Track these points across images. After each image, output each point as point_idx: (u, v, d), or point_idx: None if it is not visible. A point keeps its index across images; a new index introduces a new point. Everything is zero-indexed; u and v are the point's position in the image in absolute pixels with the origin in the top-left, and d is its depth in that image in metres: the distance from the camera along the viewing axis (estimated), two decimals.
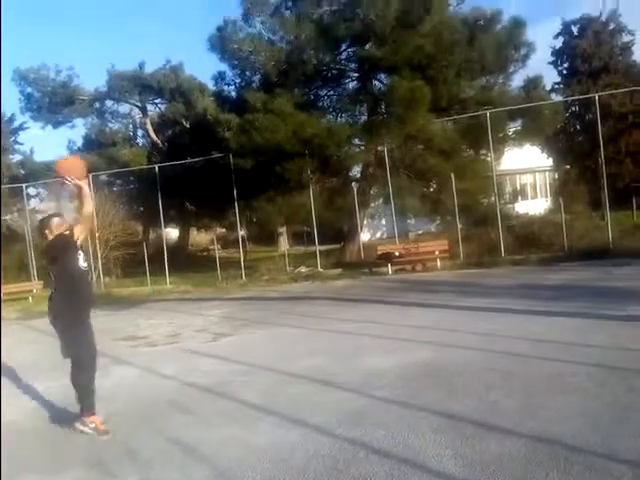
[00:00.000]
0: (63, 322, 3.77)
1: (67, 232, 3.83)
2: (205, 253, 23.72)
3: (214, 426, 3.87)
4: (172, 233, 25.04)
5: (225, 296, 11.90)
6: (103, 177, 20.88)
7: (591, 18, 23.20)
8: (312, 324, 7.42)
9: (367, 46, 14.40)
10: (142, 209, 21.21)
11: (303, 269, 14.48)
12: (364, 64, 14.82)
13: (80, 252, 3.88)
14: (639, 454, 2.85)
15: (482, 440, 3.22)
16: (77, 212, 3.99)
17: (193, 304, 11.17)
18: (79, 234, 3.84)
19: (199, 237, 27.54)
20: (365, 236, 20.75)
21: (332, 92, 16.35)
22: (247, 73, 15.79)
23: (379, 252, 13.99)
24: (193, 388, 4.89)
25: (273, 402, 4.24)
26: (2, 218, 17.89)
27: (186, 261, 18.25)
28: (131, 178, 22.10)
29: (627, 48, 23.48)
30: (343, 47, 15.14)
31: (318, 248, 14.92)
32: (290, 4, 15.33)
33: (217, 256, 15.61)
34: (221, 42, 14.75)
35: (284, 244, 22.65)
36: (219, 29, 14.81)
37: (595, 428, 3.23)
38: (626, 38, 23.39)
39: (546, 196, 25.18)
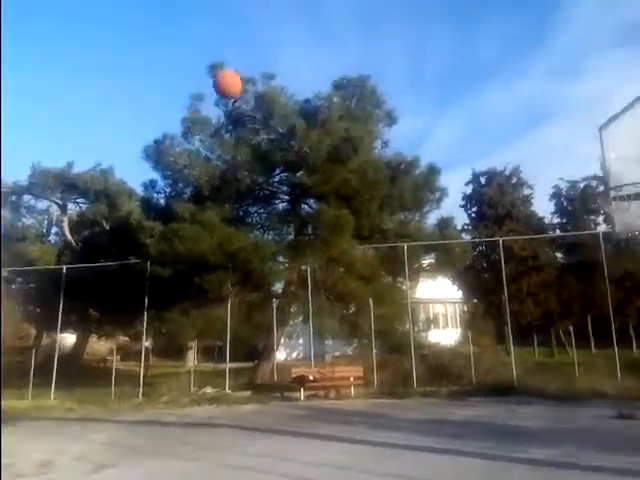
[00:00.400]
0: None
1: None
2: (102, 364, 21.51)
3: None
4: (69, 339, 22.83)
5: (115, 418, 10.67)
6: (3, 273, 19.31)
7: (496, 171, 26.48)
8: (210, 457, 6.75)
9: (299, 174, 15.26)
10: (39, 310, 19.44)
11: (209, 390, 13.50)
12: (295, 189, 15.59)
13: None
14: None
15: None
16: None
17: (76, 425, 9.89)
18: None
19: (98, 345, 25.07)
20: (281, 355, 20.23)
21: (262, 210, 16.83)
22: (179, 184, 15.96)
23: (293, 375, 13.53)
24: None
25: None
26: None
27: (79, 372, 16.37)
28: (34, 277, 20.55)
29: (527, 200, 26.68)
30: (277, 171, 15.95)
31: (229, 365, 14.15)
32: (230, 128, 16.20)
33: (114, 369, 14.17)
34: (157, 153, 15.02)
35: (192, 360, 21.29)
36: (156, 141, 15.16)
37: None
38: (526, 191, 26.74)
39: (456, 326, 26.31)
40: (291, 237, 16.19)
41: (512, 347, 13.95)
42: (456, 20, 70.19)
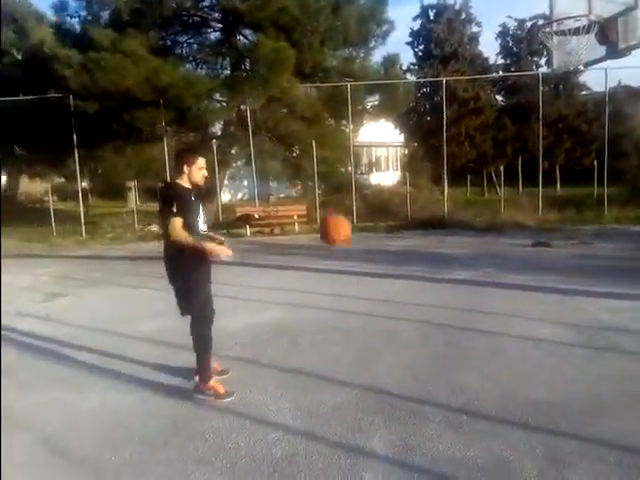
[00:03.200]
0: (190, 280, 3.34)
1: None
2: (38, 205, 20.78)
3: (36, 391, 3.52)
4: None
5: (60, 253, 10.73)
6: None
7: (446, 5, 25.07)
8: (158, 285, 6.98)
9: None
10: None
11: (154, 227, 13.67)
12: (228, 15, 14.12)
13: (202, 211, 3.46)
14: (449, 399, 3.26)
15: (319, 392, 3.40)
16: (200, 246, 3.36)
17: (20, 261, 9.89)
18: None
19: (31, 186, 23.92)
20: (225, 196, 20.34)
21: (192, 40, 15.29)
22: (94, 7, 14.05)
23: (238, 213, 13.83)
24: (13, 349, 4.40)
25: (110, 365, 4.00)
26: None
27: (15, 213, 15.85)
28: None
29: (474, 38, 25.91)
30: None
31: None
32: None
33: (52, 208, 13.87)
34: None
35: (134, 200, 21.04)
36: None
37: (417, 378, 3.61)
38: (475, 29, 25.81)
39: (397, 169, 27.11)
40: (227, 73, 15.15)
41: (446, 187, 14.69)
42: None
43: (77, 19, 14.70)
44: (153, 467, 2.60)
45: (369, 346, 4.33)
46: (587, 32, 6.04)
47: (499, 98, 26.11)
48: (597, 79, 45.95)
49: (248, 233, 13.09)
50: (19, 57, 18.76)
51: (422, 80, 23.03)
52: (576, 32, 6.22)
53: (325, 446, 2.74)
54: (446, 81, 16.33)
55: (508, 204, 14.57)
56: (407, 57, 26.07)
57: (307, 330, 4.79)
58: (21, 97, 13.75)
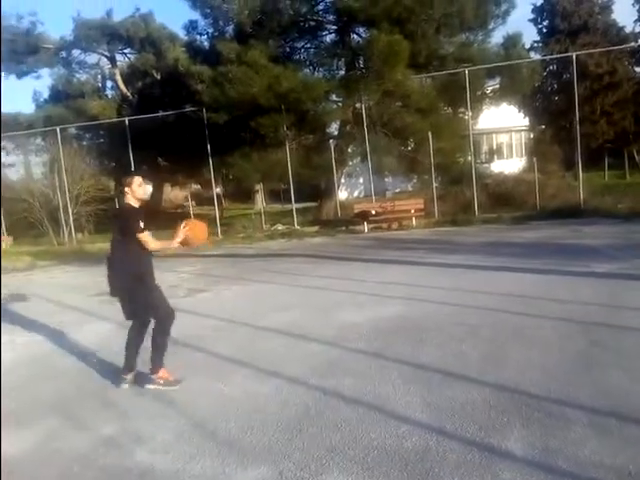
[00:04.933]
0: (138, 286, 3.68)
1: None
2: (180, 210, 23.26)
3: (187, 380, 3.92)
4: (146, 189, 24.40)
5: (200, 253, 11.80)
6: (72, 130, 20.10)
7: None
8: (288, 281, 7.48)
9: None
10: (113, 164, 20.54)
11: (280, 226, 14.45)
12: (342, 16, 14.35)
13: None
14: (593, 402, 3.01)
15: (449, 388, 3.35)
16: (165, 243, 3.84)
17: (165, 261, 11.00)
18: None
19: (173, 194, 26.88)
20: (342, 194, 20.72)
21: (309, 45, 15.87)
22: (220, 22, 15.16)
23: (356, 210, 14.02)
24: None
25: (247, 355, 4.31)
26: None
27: (160, 219, 17.77)
28: (100, 132, 21.29)
29: (606, 7, 23.36)
30: None
31: (295, 206, 14.85)
32: None
33: (192, 213, 15.38)
34: None
35: (260, 202, 22.47)
36: None
37: (556, 378, 3.39)
38: None
39: (521, 156, 25.36)
40: (342, 73, 15.40)
41: (580, 171, 13.44)
42: None
43: (206, 36, 15.96)
44: (290, 453, 2.76)
45: (498, 343, 4.15)
46: None
47: (639, 70, 23.21)
48: None
49: (366, 229, 13.20)
50: (158, 77, 20.89)
51: (548, 57, 21.29)
52: None
53: (458, 443, 2.69)
54: (576, 56, 14.91)
55: None
56: (530, 34, 24.22)
57: (431, 325, 4.72)
58: (160, 113, 15.34)
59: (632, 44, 22.39)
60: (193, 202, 18.35)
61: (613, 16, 23.38)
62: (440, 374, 3.59)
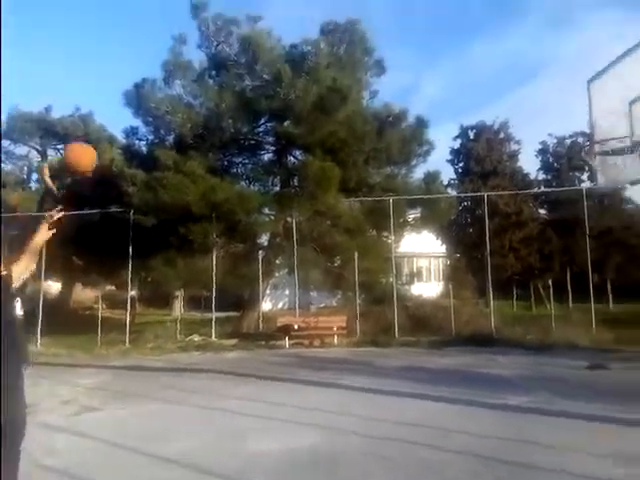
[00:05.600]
0: None
1: (4, 271, 2.99)
2: (88, 312, 21.68)
3: None
4: (53, 287, 22.80)
5: (102, 363, 10.85)
6: None
7: (485, 125, 26.28)
8: (194, 401, 6.92)
9: (285, 123, 14.93)
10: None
11: (196, 337, 13.74)
12: (281, 139, 15.29)
13: (17, 298, 3.05)
14: None
15: None
16: (28, 240, 3.10)
17: (63, 371, 10.02)
18: (21, 271, 3.04)
19: (84, 294, 25.10)
20: (267, 305, 20.49)
21: (247, 161, 16.53)
22: (161, 131, 15.54)
23: (279, 324, 13.77)
24: (43, 470, 4.25)
25: None
26: None
27: (65, 320, 16.44)
28: (16, 224, 20.20)
29: (514, 155, 26.71)
30: (262, 120, 15.52)
31: (215, 314, 14.33)
32: (213, 73, 15.66)
33: (100, 317, 14.27)
34: (137, 98, 14.50)
35: (179, 309, 21.55)
36: (136, 86, 14.61)
37: None
38: (514, 147, 26.71)
39: (439, 280, 26.78)
40: (277, 189, 16.05)
41: (492, 300, 14.28)
42: None
43: (145, 142, 16.24)
44: None
45: (410, 478, 3.96)
46: (631, 152, 6.10)
47: (542, 212, 26.17)
48: None
49: (287, 345, 12.91)
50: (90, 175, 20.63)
51: (463, 195, 23.55)
52: (620, 152, 6.29)
53: None
54: (487, 196, 16.61)
55: (559, 320, 13.90)
56: (448, 173, 26.93)
57: (342, 458, 4.47)
58: (85, 211, 14.91)
59: (535, 189, 25.41)
60: (104, 304, 17.14)
61: (519, 163, 26.77)
62: None
